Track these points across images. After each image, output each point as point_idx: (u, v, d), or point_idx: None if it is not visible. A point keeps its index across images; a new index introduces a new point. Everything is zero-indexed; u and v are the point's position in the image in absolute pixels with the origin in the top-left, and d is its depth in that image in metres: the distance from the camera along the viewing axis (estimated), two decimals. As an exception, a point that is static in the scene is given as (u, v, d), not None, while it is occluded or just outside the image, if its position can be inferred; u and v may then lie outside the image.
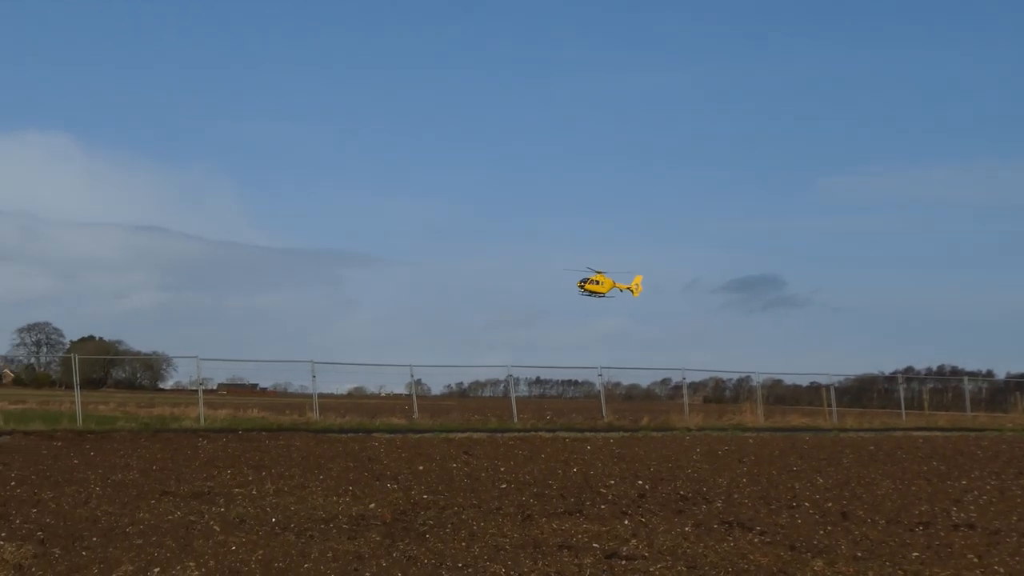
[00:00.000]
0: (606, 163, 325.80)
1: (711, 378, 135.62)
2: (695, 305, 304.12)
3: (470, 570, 15.84)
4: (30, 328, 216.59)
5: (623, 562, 16.62)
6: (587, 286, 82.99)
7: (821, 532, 19.75)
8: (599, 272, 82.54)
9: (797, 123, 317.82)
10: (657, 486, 26.31)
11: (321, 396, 57.63)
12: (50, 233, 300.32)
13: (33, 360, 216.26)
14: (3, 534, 18.00)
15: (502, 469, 29.17)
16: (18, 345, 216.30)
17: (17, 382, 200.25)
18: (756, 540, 18.78)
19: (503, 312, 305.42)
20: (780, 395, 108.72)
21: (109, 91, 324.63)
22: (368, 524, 19.71)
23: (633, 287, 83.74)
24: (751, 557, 17.09)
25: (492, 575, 15.58)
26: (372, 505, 22.13)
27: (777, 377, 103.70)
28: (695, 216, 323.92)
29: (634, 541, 18.46)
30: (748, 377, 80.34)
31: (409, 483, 25.65)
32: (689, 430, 50.28)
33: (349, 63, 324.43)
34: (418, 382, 65.90)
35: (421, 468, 28.84)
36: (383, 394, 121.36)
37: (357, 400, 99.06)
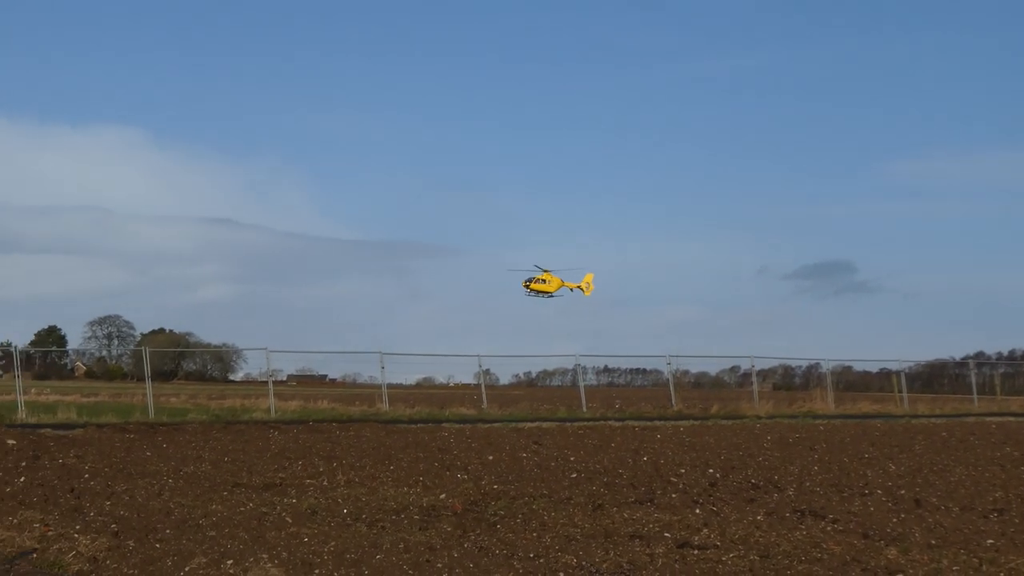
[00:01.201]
0: (671, 151, 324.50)
1: (780, 365, 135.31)
2: (765, 292, 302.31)
3: (541, 560, 15.86)
4: (101, 321, 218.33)
5: (695, 552, 16.59)
6: (533, 285, 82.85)
7: (894, 520, 19.63)
8: (546, 271, 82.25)
9: (864, 107, 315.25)
10: (728, 474, 26.23)
11: (390, 387, 57.81)
12: (122, 227, 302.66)
13: (105, 353, 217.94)
14: (78, 527, 18.16)
15: (572, 458, 29.16)
16: (90, 338, 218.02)
17: (89, 375, 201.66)
18: (829, 528, 18.70)
19: (571, 301, 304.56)
20: (850, 382, 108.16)
21: (179, 85, 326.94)
22: (439, 515, 19.76)
23: (584, 285, 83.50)
24: (824, 546, 17.02)
25: (563, 565, 15.59)
26: (443, 496, 22.18)
27: (847, 363, 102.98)
28: (765, 202, 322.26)
29: (706, 530, 18.42)
30: (818, 364, 79.88)
31: (479, 473, 25.68)
32: (759, 418, 50.03)
33: (416, 54, 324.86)
34: (487, 372, 66.08)
35: (491, 458, 28.87)
36: (452, 384, 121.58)
37: (426, 390, 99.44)
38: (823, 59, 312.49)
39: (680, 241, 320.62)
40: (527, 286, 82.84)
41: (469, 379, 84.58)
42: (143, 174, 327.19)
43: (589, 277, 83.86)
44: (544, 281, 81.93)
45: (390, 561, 15.66)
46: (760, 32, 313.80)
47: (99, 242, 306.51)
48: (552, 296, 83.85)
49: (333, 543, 16.84)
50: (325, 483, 23.91)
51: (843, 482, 24.99)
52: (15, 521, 18.52)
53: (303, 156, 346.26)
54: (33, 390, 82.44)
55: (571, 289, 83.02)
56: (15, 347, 65.70)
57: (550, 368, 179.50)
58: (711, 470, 27.01)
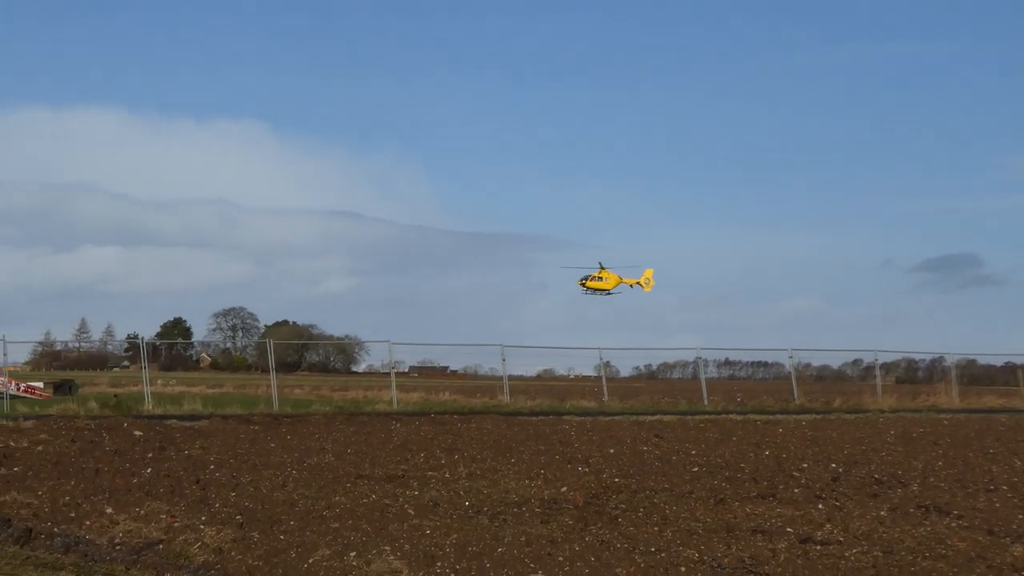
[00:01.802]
0: (795, 144, 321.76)
1: (903, 358, 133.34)
2: (889, 285, 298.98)
3: (663, 555, 15.83)
4: (226, 313, 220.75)
5: (818, 547, 16.48)
6: (589, 283, 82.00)
7: (1021, 516, 19.37)
8: (603, 268, 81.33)
9: (992, 100, 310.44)
10: (851, 469, 25.99)
11: (511, 379, 57.87)
12: (246, 220, 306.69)
13: (229, 344, 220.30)
14: (203, 518, 18.37)
15: (693, 452, 29.05)
16: (215, 330, 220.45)
17: (214, 366, 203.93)
18: (953, 524, 18.48)
19: (692, 293, 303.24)
20: (974, 375, 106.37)
21: (300, 80, 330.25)
22: (560, 508, 19.78)
23: (643, 281, 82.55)
24: (948, 542, 16.84)
25: (685, 560, 15.55)
26: (564, 489, 22.20)
27: (971, 357, 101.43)
28: (890, 196, 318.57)
29: (829, 526, 18.29)
30: (941, 357, 78.86)
31: (600, 466, 25.66)
32: (882, 412, 49.41)
33: (534, 51, 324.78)
34: (607, 364, 65.91)
35: (612, 451, 28.83)
36: (572, 376, 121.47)
37: (546, 382, 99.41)
38: (950, 52, 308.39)
39: (803, 234, 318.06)
40: (583, 284, 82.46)
41: (589, 371, 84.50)
42: (266, 168, 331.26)
43: (648, 273, 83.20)
44: (601, 278, 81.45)
45: (511, 554, 15.70)
46: (886, 22, 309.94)
47: (224, 235, 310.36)
48: (610, 293, 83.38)
49: (455, 535, 16.91)
50: (447, 475, 24.01)
51: (967, 478, 24.68)
52: (142, 512, 18.78)
53: (425, 149, 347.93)
54: (159, 381, 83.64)
55: (630, 286, 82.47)
56: (142, 339, 66.64)
57: (671, 361, 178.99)
58: (834, 465, 26.79)
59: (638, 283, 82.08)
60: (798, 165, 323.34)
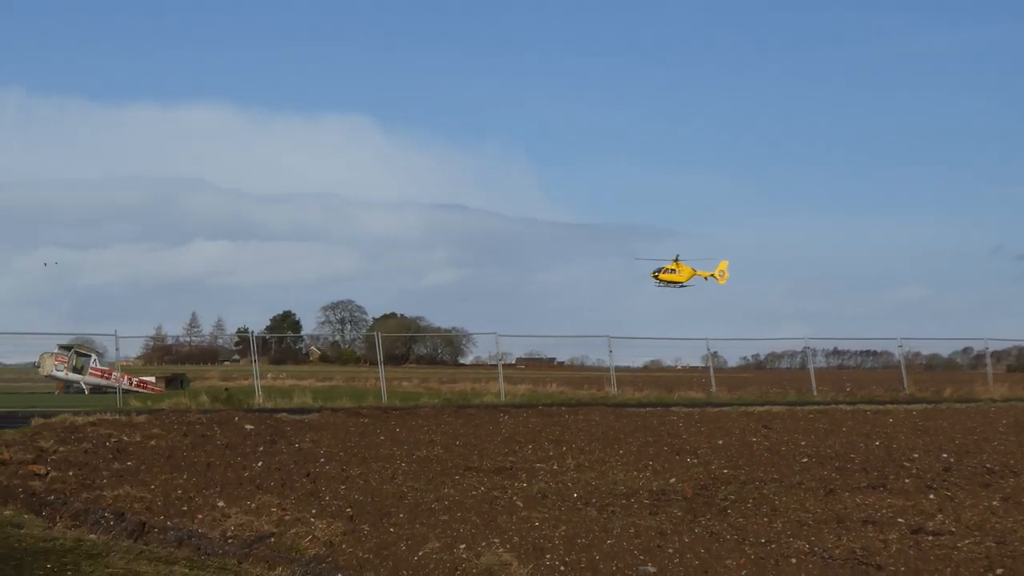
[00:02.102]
0: (903, 130, 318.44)
1: (1015, 347, 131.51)
2: (999, 272, 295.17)
3: (773, 546, 15.75)
4: (334, 306, 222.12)
5: (929, 538, 16.33)
6: (662, 276, 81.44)
7: None
8: (676, 260, 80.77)
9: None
10: (962, 459, 25.72)
11: (618, 370, 57.80)
12: (354, 213, 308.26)
13: (338, 337, 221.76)
14: (314, 511, 18.52)
15: (802, 443, 28.86)
16: (323, 323, 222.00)
17: (323, 359, 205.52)
18: (1069, 515, 18.24)
19: (801, 282, 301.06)
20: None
21: (404, 73, 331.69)
22: (669, 499, 19.74)
23: (717, 274, 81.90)
24: (1063, 532, 16.62)
25: (795, 551, 15.47)
26: (672, 480, 22.15)
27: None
28: (1000, 182, 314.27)
29: (940, 516, 18.11)
30: (1055, 345, 77.65)
31: (709, 457, 25.58)
32: (994, 401, 48.83)
33: (636, 43, 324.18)
34: (714, 355, 65.61)
35: (720, 442, 28.72)
36: (679, 367, 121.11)
37: (654, 373, 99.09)
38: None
39: (912, 221, 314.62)
40: (656, 277, 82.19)
41: (697, 362, 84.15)
42: (372, 161, 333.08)
43: (723, 265, 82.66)
44: (674, 271, 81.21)
45: (621, 546, 15.69)
46: (989, 5, 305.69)
47: (332, 228, 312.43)
48: (684, 286, 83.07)
49: (564, 527, 16.92)
50: (555, 467, 24.04)
51: (1084, 467, 24.34)
52: (253, 505, 18.96)
53: (530, 140, 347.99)
54: (270, 375, 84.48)
55: (705, 278, 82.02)
56: (252, 333, 67.33)
57: (779, 351, 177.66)
58: (945, 454, 26.51)
59: (712, 275, 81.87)
60: (907, 151, 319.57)
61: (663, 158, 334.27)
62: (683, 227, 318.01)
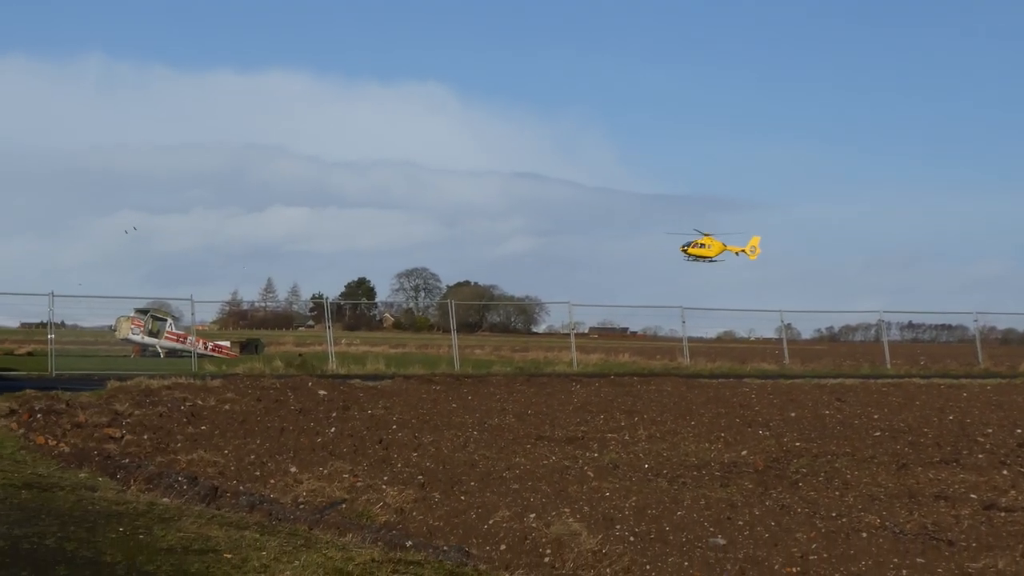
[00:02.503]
0: (987, 101, 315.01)
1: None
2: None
3: (844, 520, 15.68)
4: (409, 273, 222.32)
5: (1002, 514, 16.20)
6: (691, 250, 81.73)
7: None
8: (707, 235, 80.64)
9: None
10: (1037, 435, 25.50)
11: (691, 340, 57.78)
12: (431, 181, 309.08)
13: (412, 305, 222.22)
14: (385, 478, 18.60)
15: (875, 416, 28.68)
16: (398, 290, 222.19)
17: (397, 326, 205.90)
18: None
19: (877, 255, 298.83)
20: None
21: (481, 41, 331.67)
22: (740, 471, 19.69)
23: (748, 249, 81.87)
24: None
25: (866, 525, 15.39)
26: (744, 452, 22.09)
27: None
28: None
29: (1013, 492, 17.97)
30: None
31: (781, 430, 25.48)
32: (1071, 376, 48.37)
33: (721, 9, 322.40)
34: (788, 326, 65.39)
35: (793, 415, 28.61)
36: (752, 339, 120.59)
37: (726, 344, 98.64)
38: None
39: (990, 194, 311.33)
40: (685, 251, 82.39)
41: (770, 334, 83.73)
42: (450, 129, 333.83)
43: (755, 240, 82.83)
44: (703, 246, 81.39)
45: (691, 518, 15.67)
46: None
47: (409, 196, 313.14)
48: (713, 261, 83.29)
49: (634, 498, 16.91)
50: (626, 437, 24.03)
51: None
52: (325, 472, 19.07)
53: (608, 110, 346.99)
54: (343, 341, 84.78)
55: (736, 253, 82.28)
56: (326, 299, 67.70)
57: (852, 323, 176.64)
58: (1019, 430, 26.27)
59: (743, 251, 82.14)
60: (987, 124, 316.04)
61: (742, 128, 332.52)
62: (760, 198, 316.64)
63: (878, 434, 25.06)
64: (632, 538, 14.70)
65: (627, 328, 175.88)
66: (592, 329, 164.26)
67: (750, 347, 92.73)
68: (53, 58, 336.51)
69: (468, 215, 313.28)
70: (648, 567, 13.49)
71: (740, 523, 15.38)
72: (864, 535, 14.84)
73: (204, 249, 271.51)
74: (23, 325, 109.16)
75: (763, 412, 29.08)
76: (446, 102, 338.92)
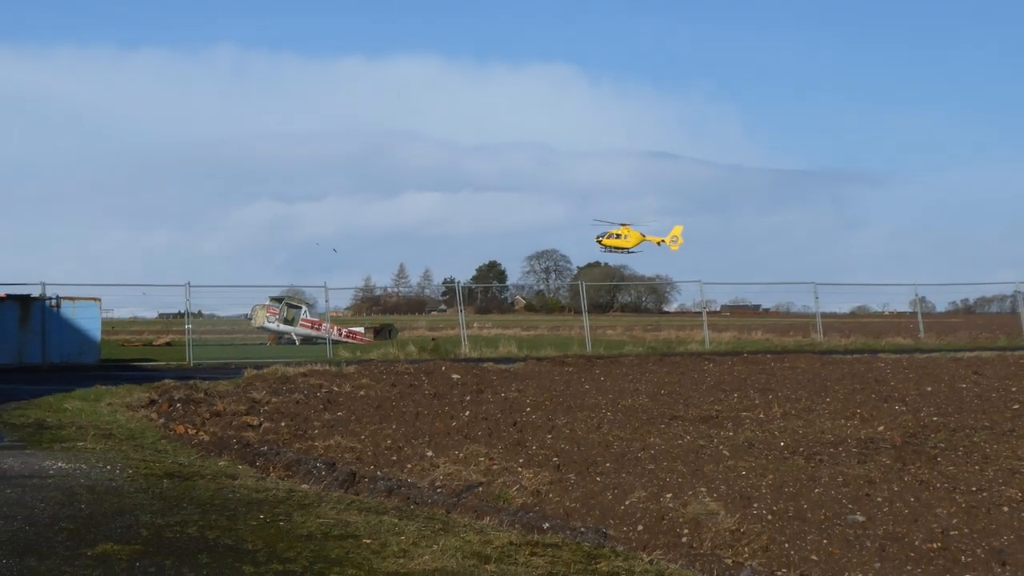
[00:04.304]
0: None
1: None
2: None
3: (984, 494, 15.47)
4: (539, 256, 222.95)
5: None
6: (606, 241, 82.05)
7: None
8: (624, 225, 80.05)
9: None
10: None
11: (824, 316, 57.40)
12: (562, 163, 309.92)
13: (543, 287, 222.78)
14: (521, 460, 18.67)
15: (1014, 389, 28.22)
16: (528, 272, 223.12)
17: (528, 308, 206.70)
18: None
19: (1014, 225, 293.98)
20: None
21: (607, 20, 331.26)
22: (877, 447, 19.49)
23: (669, 240, 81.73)
24: None
25: (1007, 499, 15.18)
26: (880, 428, 21.87)
27: None
28: None
29: None
30: None
31: (917, 405, 25.18)
32: None
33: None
34: (922, 300, 64.67)
35: (929, 389, 28.25)
36: (886, 313, 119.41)
37: (860, 320, 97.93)
38: None
39: None
40: (600, 242, 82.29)
41: (904, 307, 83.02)
42: (578, 110, 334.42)
43: (677, 230, 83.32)
44: (620, 236, 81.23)
45: (828, 495, 15.56)
46: None
47: (540, 178, 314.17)
48: (630, 252, 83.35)
49: (771, 476, 16.83)
50: (761, 415, 23.90)
51: None
52: (461, 455, 19.17)
53: (737, 86, 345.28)
54: (476, 324, 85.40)
55: (658, 244, 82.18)
56: (458, 283, 68.06)
57: (988, 295, 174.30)
58: None
59: (663, 241, 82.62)
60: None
61: (874, 100, 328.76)
62: (894, 171, 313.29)
63: (1017, 407, 24.67)
64: (770, 516, 14.64)
65: (759, 305, 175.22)
66: (724, 307, 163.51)
67: (884, 321, 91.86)
68: (185, 50, 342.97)
69: (599, 196, 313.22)
70: (786, 545, 13.44)
71: (878, 499, 15.25)
72: (1005, 509, 14.64)
73: (339, 236, 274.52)
74: (161, 315, 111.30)
75: (899, 387, 28.74)
76: (574, 83, 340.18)
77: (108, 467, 15.48)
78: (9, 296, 44.97)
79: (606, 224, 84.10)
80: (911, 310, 64.44)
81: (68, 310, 43.91)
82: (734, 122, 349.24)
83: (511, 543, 11.03)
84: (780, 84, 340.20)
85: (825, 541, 13.47)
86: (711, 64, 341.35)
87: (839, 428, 21.85)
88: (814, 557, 13.09)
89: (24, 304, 43.57)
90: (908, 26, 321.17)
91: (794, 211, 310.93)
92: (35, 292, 44.32)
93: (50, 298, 43.84)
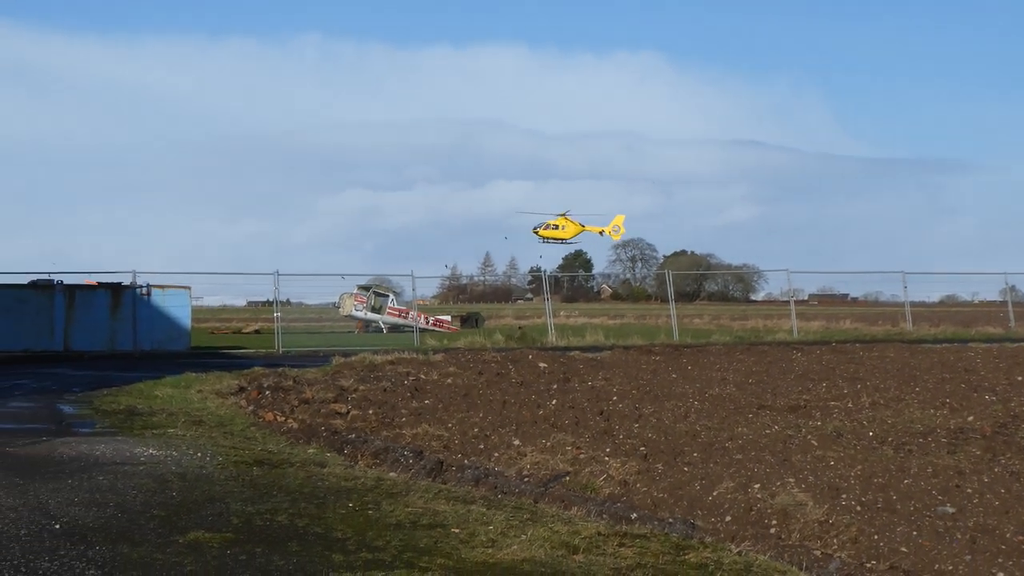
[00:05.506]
0: None
1: None
2: None
3: (1078, 487, 15.32)
4: (625, 244, 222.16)
5: None
6: (542, 232, 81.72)
7: None
8: (561, 215, 79.57)
9: None
10: None
11: (913, 305, 56.92)
12: (649, 151, 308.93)
13: (629, 275, 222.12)
14: (608, 449, 18.68)
15: (1106, 378, 27.91)
16: (614, 261, 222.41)
17: (615, 297, 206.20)
18: None
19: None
20: None
21: (692, 8, 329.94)
22: (967, 438, 19.31)
23: (611, 229, 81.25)
24: None
25: (1100, 491, 15.02)
26: (970, 418, 21.67)
27: None
28: None
29: None
30: None
31: (1008, 394, 24.92)
32: None
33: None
34: (1013, 288, 63.95)
35: (1020, 379, 27.92)
36: (976, 302, 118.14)
37: (949, 308, 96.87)
38: None
39: None
40: (537, 233, 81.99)
41: (994, 296, 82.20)
42: (665, 98, 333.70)
43: (619, 219, 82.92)
44: (557, 227, 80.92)
45: (918, 486, 15.46)
46: None
47: (628, 167, 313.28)
48: (568, 243, 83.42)
49: (859, 466, 16.74)
50: (849, 405, 23.75)
51: None
52: (548, 444, 19.21)
53: (824, 73, 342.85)
54: (562, 313, 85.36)
55: (600, 234, 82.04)
56: (544, 272, 68.11)
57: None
58: None
59: (605, 231, 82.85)
60: None
61: (966, 87, 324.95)
62: (985, 159, 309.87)
63: (1112, 398, 24.38)
64: (859, 507, 14.56)
65: (847, 294, 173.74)
66: (812, 296, 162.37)
67: (974, 310, 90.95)
68: (273, 40, 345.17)
69: (687, 184, 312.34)
70: (876, 537, 13.37)
71: (968, 491, 15.13)
72: (1098, 501, 14.50)
73: (427, 224, 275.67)
74: (250, 303, 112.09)
75: (989, 377, 28.44)
76: (660, 71, 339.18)
77: (198, 454, 15.63)
78: (101, 284, 45.55)
79: (539, 216, 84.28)
80: (1001, 299, 63.80)
81: (159, 298, 44.39)
82: (822, 109, 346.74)
83: (599, 533, 11.02)
84: (868, 70, 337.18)
85: (915, 533, 13.39)
86: (798, 51, 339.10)
87: (928, 418, 21.68)
88: (904, 549, 13.01)
89: (116, 292, 44.11)
90: (1001, 10, 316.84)
91: (883, 199, 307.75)
92: (126, 280, 44.85)
93: (141, 286, 44.33)
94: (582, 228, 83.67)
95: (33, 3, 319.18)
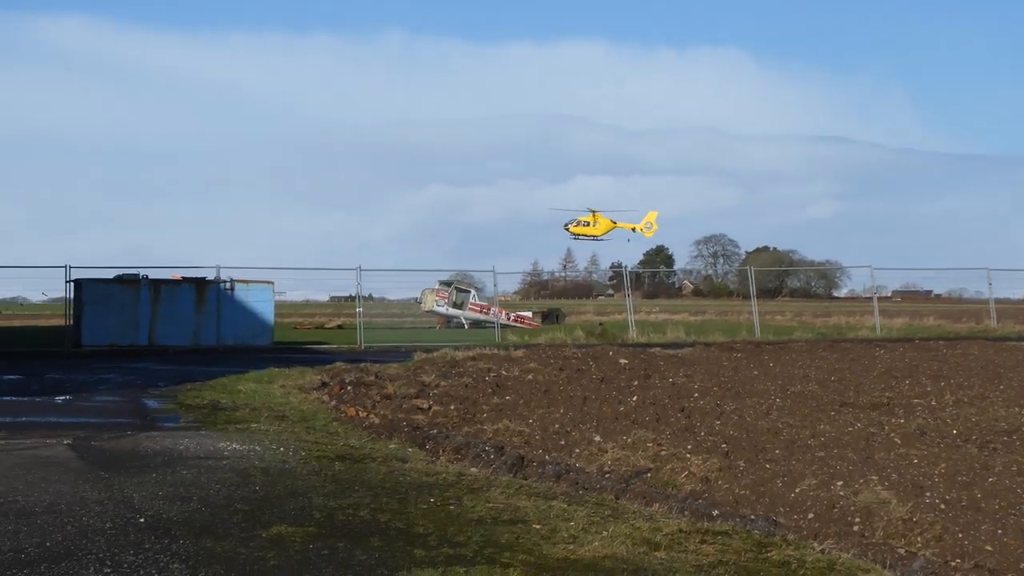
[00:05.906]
0: None
1: None
2: None
3: None
4: (707, 240, 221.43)
5: None
6: (573, 228, 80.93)
7: None
8: (593, 212, 78.36)
9: None
10: None
11: (998, 302, 56.43)
12: (732, 147, 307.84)
13: (711, 271, 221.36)
14: (689, 446, 18.63)
15: None
16: (696, 257, 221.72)
17: (696, 293, 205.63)
18: None
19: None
20: None
21: (776, 4, 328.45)
22: (1053, 436, 19.14)
23: (643, 226, 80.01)
24: None
25: None
26: (1057, 416, 21.46)
27: None
28: None
29: None
30: None
31: (1092, 393, 24.66)
32: None
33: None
34: (1101, 285, 63.18)
35: (1107, 377, 27.64)
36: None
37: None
38: None
39: None
40: (568, 229, 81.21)
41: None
42: (748, 94, 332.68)
43: (651, 216, 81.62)
44: (588, 224, 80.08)
45: (1003, 484, 15.32)
46: None
47: (711, 162, 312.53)
48: (599, 239, 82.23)
49: (943, 465, 16.60)
50: (933, 403, 23.56)
51: None
52: (629, 440, 19.19)
53: (908, 69, 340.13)
54: (643, 309, 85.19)
55: (633, 230, 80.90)
56: (625, 267, 68.13)
57: None
58: None
59: (638, 228, 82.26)
60: None
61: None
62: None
63: None
64: (943, 506, 14.45)
65: (931, 291, 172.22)
66: (895, 292, 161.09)
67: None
68: (355, 36, 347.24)
69: (770, 180, 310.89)
70: (960, 535, 13.26)
71: (1059, 490, 14.99)
72: None
73: (508, 220, 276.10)
74: (332, 299, 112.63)
75: (1074, 375, 28.15)
76: (742, 67, 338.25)
77: (281, 449, 15.73)
78: (185, 279, 46.02)
79: (572, 213, 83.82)
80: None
81: (242, 293, 44.76)
82: (905, 105, 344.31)
83: (680, 530, 11.01)
84: (952, 65, 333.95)
85: (1000, 531, 13.26)
86: (881, 46, 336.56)
87: (1013, 416, 21.47)
88: (989, 547, 12.90)
89: (200, 287, 44.53)
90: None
91: (967, 195, 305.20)
92: (210, 275, 45.29)
93: (224, 281, 44.71)
94: (614, 225, 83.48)
95: (122, 2, 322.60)
